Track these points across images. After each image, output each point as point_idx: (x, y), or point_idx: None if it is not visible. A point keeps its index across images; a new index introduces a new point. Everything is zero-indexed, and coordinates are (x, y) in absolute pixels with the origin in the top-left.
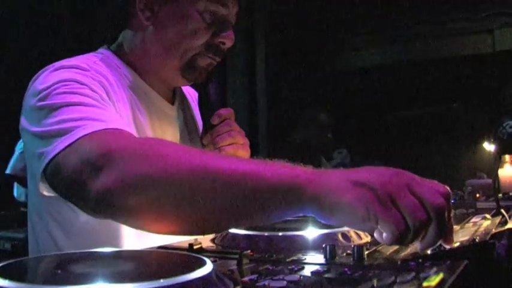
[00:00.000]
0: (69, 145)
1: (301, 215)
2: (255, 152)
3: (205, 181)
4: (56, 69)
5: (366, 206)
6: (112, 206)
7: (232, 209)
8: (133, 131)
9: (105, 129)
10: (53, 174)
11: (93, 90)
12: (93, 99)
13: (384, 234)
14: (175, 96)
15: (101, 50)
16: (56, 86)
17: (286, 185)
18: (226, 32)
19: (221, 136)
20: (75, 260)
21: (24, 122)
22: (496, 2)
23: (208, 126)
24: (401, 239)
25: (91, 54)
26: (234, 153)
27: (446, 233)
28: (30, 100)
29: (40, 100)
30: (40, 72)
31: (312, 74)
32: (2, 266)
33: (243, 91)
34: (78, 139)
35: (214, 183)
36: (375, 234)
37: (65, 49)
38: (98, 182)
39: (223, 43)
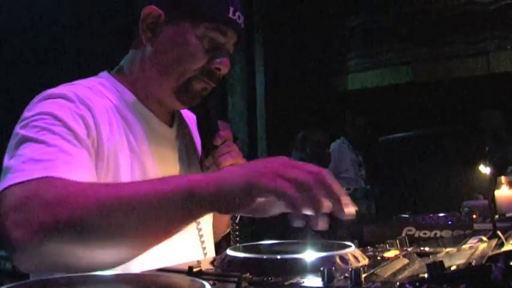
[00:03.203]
0: (3, 190)
1: (204, 214)
2: None
3: (112, 212)
4: (44, 99)
5: (253, 185)
6: (27, 260)
7: (143, 230)
8: (127, 155)
9: (36, 178)
10: None
11: (67, 127)
12: (62, 137)
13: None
14: (173, 119)
15: (101, 73)
16: (34, 117)
17: (181, 191)
18: (222, 59)
19: (223, 157)
20: (72, 284)
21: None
22: (491, 25)
23: (209, 148)
24: (294, 200)
25: (91, 78)
26: None
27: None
28: (16, 125)
29: (20, 128)
30: (34, 98)
31: (311, 95)
32: None
33: (243, 114)
34: (8, 186)
35: (119, 211)
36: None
37: (67, 72)
38: (11, 237)
39: (219, 69)
